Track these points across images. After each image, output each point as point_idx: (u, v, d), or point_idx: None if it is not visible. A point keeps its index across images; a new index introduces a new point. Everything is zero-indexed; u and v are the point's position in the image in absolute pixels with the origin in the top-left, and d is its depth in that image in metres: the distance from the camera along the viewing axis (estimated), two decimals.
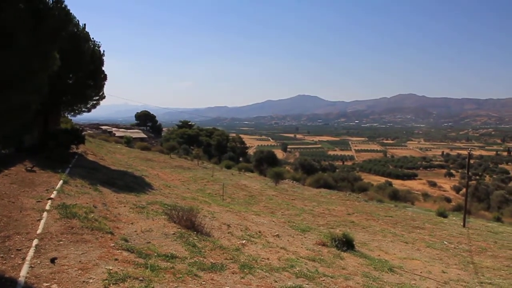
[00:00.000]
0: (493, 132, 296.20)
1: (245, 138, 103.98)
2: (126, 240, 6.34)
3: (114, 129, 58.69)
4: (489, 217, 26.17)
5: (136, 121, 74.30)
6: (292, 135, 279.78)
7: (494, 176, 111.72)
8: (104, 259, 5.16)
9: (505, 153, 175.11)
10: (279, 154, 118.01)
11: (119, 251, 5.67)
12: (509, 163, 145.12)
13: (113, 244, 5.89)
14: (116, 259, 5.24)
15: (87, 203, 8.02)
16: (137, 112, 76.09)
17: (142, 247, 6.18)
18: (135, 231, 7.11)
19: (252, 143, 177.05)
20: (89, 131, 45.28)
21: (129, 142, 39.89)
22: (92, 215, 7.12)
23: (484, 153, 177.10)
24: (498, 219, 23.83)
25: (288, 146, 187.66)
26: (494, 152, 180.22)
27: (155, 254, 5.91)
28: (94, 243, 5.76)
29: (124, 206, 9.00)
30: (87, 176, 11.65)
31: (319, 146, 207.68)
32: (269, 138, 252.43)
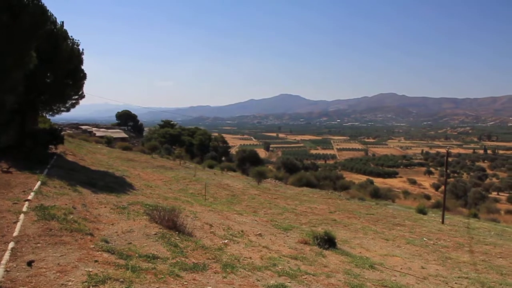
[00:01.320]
0: (470, 131, 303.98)
1: (228, 137, 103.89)
2: (107, 241, 6.24)
3: (94, 129, 57.73)
4: (466, 213, 26.84)
5: (117, 121, 73.24)
6: (274, 134, 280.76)
7: (471, 174, 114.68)
8: (84, 261, 5.06)
9: (481, 151, 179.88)
10: (262, 153, 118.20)
11: (99, 252, 5.58)
12: (486, 161, 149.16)
13: (93, 246, 5.79)
14: (96, 261, 5.15)
15: (66, 204, 7.86)
16: (118, 112, 75.02)
17: (123, 248, 6.10)
18: (116, 232, 7.02)
19: (235, 143, 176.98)
20: (68, 131, 44.39)
21: (110, 142, 39.31)
22: (71, 217, 6.99)
23: (462, 151, 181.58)
24: (474, 215, 24.44)
25: (271, 145, 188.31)
26: (471, 150, 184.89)
27: (136, 255, 5.84)
28: (74, 245, 5.65)
29: (105, 207, 8.86)
30: (66, 176, 11.42)
31: (302, 145, 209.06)
32: (252, 137, 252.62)
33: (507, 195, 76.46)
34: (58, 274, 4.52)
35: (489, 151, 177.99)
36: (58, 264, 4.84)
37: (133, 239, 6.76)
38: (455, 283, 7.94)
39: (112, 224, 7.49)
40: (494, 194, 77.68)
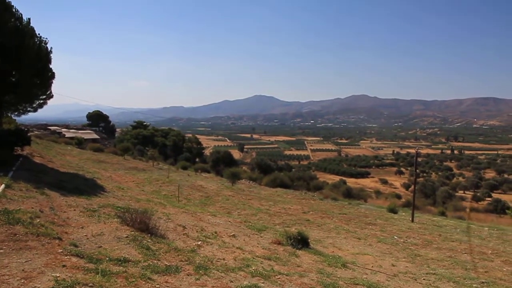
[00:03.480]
0: (438, 132, 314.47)
1: (202, 138, 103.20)
2: (76, 245, 6.07)
3: (64, 129, 56.07)
4: (435, 211, 27.72)
5: (88, 122, 71.44)
6: (248, 135, 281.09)
7: (439, 173, 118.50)
8: (51, 266, 4.90)
9: (449, 152, 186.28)
10: (236, 154, 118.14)
11: (68, 257, 5.41)
12: (453, 161, 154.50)
13: (61, 250, 5.61)
14: (64, 266, 5.00)
15: (32, 208, 7.59)
16: (89, 112, 73.19)
17: (93, 251, 5.95)
18: (86, 235, 6.83)
19: (209, 144, 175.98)
20: (36, 132, 42.94)
21: (80, 143, 38.28)
22: (38, 221, 6.74)
23: (430, 151, 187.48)
24: (442, 214, 25.29)
25: (245, 146, 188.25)
26: (440, 151, 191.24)
27: (107, 258, 5.71)
28: (40, 250, 5.46)
29: (74, 210, 8.61)
30: (33, 179, 11.02)
31: (276, 146, 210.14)
32: (226, 138, 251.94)
33: (472, 193, 79.50)
34: (22, 281, 4.35)
35: (455, 152, 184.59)
36: (23, 270, 4.66)
37: (104, 242, 6.60)
38: (423, 279, 8.17)
39: (82, 228, 7.29)
40: (460, 193, 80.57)
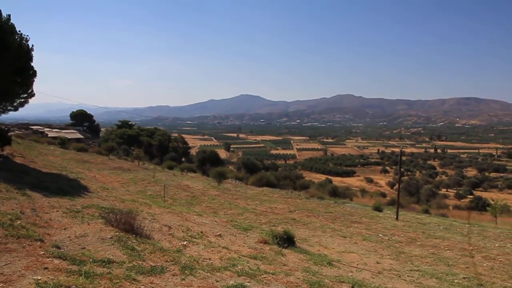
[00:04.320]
0: (422, 131, 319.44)
1: (188, 138, 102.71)
2: (58, 247, 5.96)
3: (46, 129, 55.00)
4: (419, 209, 28.15)
5: (71, 121, 70.25)
6: (235, 135, 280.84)
7: (423, 172, 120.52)
8: (32, 269, 4.80)
9: (432, 150, 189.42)
10: (222, 153, 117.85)
11: (50, 259, 5.32)
12: (436, 160, 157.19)
13: (43, 252, 5.51)
14: (45, 268, 4.90)
15: (13, 209, 7.43)
16: (73, 112, 71.98)
17: (76, 253, 5.85)
18: (69, 236, 6.72)
19: (195, 143, 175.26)
20: (17, 132, 42.03)
21: (63, 143, 37.58)
22: (18, 222, 6.61)
23: (414, 150, 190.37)
24: (426, 211, 25.70)
25: (231, 146, 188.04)
26: (423, 150, 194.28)
27: (91, 260, 5.62)
28: (21, 252, 5.34)
29: (57, 211, 8.46)
30: (13, 180, 10.78)
31: (262, 145, 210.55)
32: (212, 138, 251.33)
33: (455, 191, 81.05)
34: (1, 285, 4.25)
35: (439, 150, 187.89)
36: (2, 273, 4.56)
37: (87, 243, 6.51)
38: (407, 276, 8.29)
39: (65, 229, 7.17)
40: (443, 191, 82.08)
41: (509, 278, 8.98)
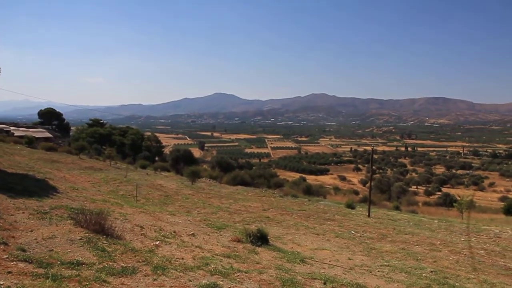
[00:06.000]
0: (393, 130, 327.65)
1: (161, 137, 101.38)
2: (24, 250, 5.77)
3: (12, 128, 52.96)
4: (390, 206, 28.82)
5: (39, 120, 68.00)
6: (209, 134, 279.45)
7: (394, 170, 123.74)
8: None
9: (403, 149, 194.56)
10: (196, 152, 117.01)
11: (14, 262, 5.14)
12: (406, 158, 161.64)
13: (7, 256, 5.32)
14: (9, 272, 4.73)
15: None
16: (41, 110, 69.68)
17: (43, 256, 5.69)
18: (35, 239, 6.51)
19: (169, 142, 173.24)
20: None
21: (31, 142, 36.28)
22: None
23: (386, 148, 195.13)
24: (397, 208, 26.34)
25: (206, 145, 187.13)
26: (395, 148, 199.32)
27: (58, 262, 5.48)
28: None
29: (23, 213, 8.18)
30: None
31: (236, 144, 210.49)
32: (186, 136, 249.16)
33: (424, 188, 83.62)
34: None
35: (409, 149, 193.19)
36: None
37: (55, 245, 6.33)
38: (378, 271, 8.49)
39: (31, 231, 6.94)
40: (413, 188, 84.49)
41: (473, 270, 9.37)
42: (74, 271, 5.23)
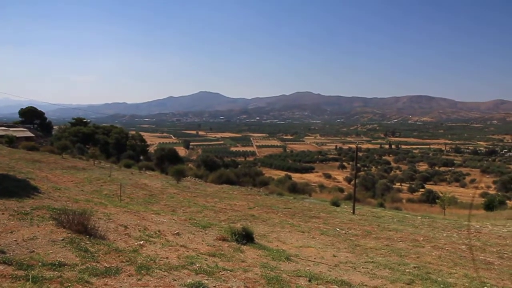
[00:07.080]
0: (377, 128, 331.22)
1: (146, 135, 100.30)
2: (3, 252, 5.64)
3: None
4: (374, 203, 29.25)
5: (20, 118, 66.60)
6: (194, 132, 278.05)
7: (379, 167, 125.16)
8: None
9: (387, 146, 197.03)
10: (181, 151, 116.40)
11: None
12: (390, 155, 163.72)
13: None
14: None
15: None
16: (22, 108, 68.26)
17: (24, 257, 5.57)
18: (15, 240, 6.37)
19: (153, 141, 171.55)
20: None
21: (11, 141, 35.54)
22: None
23: (370, 146, 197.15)
24: (381, 205, 26.75)
25: (191, 143, 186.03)
26: (379, 146, 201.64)
27: (40, 263, 5.37)
28: None
29: (2, 214, 8.00)
30: None
31: (222, 142, 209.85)
32: (171, 135, 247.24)
33: (408, 185, 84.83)
34: None
35: (393, 146, 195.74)
36: None
37: (37, 246, 6.21)
38: (362, 267, 8.59)
39: (11, 232, 6.79)
40: (397, 185, 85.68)
41: (454, 265, 9.56)
42: (56, 272, 5.14)
